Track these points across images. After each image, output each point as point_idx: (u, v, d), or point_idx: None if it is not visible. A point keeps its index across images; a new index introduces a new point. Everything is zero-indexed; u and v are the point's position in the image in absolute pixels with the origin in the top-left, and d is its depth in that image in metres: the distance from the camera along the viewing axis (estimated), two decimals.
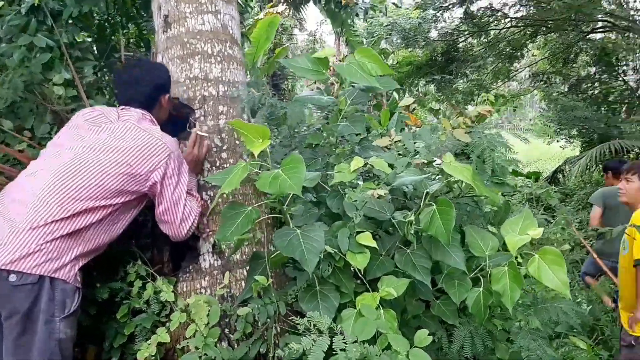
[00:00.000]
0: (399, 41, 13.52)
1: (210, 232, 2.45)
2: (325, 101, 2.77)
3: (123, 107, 2.27)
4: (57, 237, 1.95)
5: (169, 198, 2.18)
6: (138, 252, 2.49)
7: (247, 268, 2.43)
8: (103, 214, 2.06)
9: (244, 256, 2.46)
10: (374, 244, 2.12)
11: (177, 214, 2.21)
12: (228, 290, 2.38)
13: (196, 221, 2.29)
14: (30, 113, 2.85)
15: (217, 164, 2.52)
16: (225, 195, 2.41)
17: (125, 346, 2.40)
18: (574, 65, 12.26)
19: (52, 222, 1.94)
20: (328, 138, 2.71)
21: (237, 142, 2.56)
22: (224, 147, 2.54)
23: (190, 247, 2.47)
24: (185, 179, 2.25)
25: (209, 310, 2.25)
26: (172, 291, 2.33)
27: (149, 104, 2.30)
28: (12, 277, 1.87)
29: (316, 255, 1.97)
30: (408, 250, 2.27)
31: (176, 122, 2.47)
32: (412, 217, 2.20)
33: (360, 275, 2.11)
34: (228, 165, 2.53)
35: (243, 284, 2.40)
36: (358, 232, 2.17)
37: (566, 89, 12.11)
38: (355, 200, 2.23)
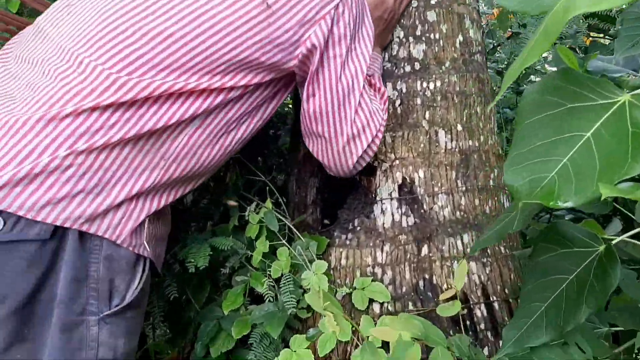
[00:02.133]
0: None
1: (397, 161, 1.27)
2: None
3: None
4: (101, 146, 0.89)
5: (331, 85, 1.07)
6: (266, 181, 1.38)
7: (472, 234, 1.24)
8: (204, 109, 0.97)
9: (460, 212, 1.26)
10: None
11: (346, 121, 1.10)
12: (428, 275, 1.21)
13: (379, 139, 1.16)
14: None
15: (417, 32, 1.32)
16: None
17: (232, 353, 1.32)
18: None
19: (95, 108, 0.88)
20: None
21: None
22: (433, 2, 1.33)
23: (355, 183, 1.32)
24: (367, 51, 1.11)
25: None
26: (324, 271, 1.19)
27: None
28: None
29: None
30: None
31: None
32: None
33: None
34: (437, 32, 1.32)
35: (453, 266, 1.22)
36: None
37: None
38: None
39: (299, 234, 1.26)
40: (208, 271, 1.28)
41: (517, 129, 0.53)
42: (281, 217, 1.28)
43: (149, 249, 0.99)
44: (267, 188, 1.35)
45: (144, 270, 0.99)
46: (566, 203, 0.47)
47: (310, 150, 1.20)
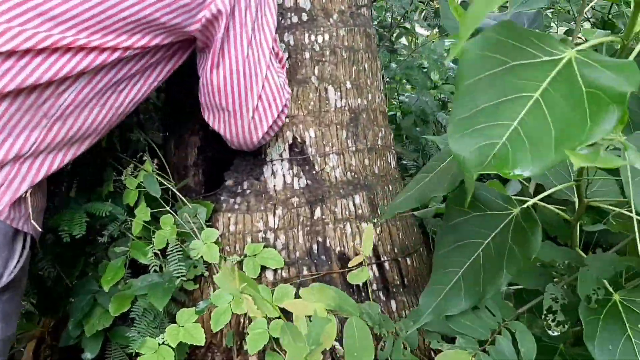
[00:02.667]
0: None
1: (287, 119, 1.20)
2: None
3: None
4: None
5: (237, 56, 1.01)
6: (145, 138, 1.24)
7: (363, 194, 1.22)
8: (94, 67, 0.88)
9: (352, 173, 1.24)
10: None
11: (252, 95, 1.05)
12: (323, 237, 1.18)
13: (285, 114, 1.15)
14: None
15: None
16: None
17: (110, 330, 1.19)
18: None
19: None
20: None
21: None
22: None
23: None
24: (273, 20, 1.07)
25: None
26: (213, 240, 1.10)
27: None
28: None
29: None
30: None
31: None
32: None
33: None
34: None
35: (353, 229, 1.20)
36: None
37: None
38: None
39: (183, 199, 1.15)
40: (82, 241, 1.13)
41: (457, 91, 0.49)
42: (163, 181, 1.15)
43: (29, 225, 0.90)
44: (147, 147, 1.20)
45: (24, 247, 0.90)
46: (524, 172, 0.44)
47: (210, 123, 1.11)
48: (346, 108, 1.25)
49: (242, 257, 1.14)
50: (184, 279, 1.08)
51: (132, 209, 1.15)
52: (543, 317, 0.70)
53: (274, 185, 1.20)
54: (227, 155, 1.27)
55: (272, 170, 1.20)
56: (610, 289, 0.69)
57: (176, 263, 1.05)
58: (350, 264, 1.08)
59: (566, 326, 0.72)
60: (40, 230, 0.94)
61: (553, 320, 0.72)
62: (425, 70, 1.88)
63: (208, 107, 1.09)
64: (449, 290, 0.69)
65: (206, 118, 1.11)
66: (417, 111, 1.73)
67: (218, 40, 0.98)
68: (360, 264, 1.05)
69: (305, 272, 1.15)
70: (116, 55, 0.89)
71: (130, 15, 0.87)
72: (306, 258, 1.17)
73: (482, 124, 0.46)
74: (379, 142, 1.31)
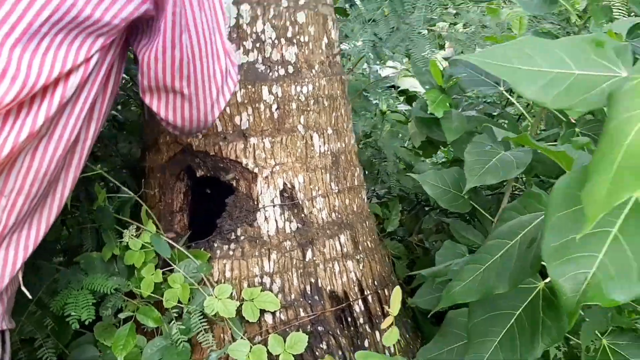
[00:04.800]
0: None
1: (277, 167, 1.26)
2: None
3: None
4: None
5: (195, 20, 0.79)
6: (137, 199, 1.23)
7: (346, 234, 1.31)
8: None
9: (336, 213, 1.33)
10: None
11: (215, 71, 0.85)
12: (314, 279, 1.26)
13: (235, 86, 0.93)
14: None
15: (289, 34, 1.30)
16: None
17: None
18: None
19: None
20: None
21: None
22: None
23: (232, 187, 1.28)
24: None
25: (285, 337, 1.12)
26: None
27: None
28: None
29: None
30: None
31: None
32: None
33: None
34: (306, 35, 1.32)
35: (346, 266, 1.29)
36: None
37: None
38: None
39: (187, 254, 1.17)
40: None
41: (548, 220, 0.57)
42: (169, 241, 1.17)
43: (6, 320, 0.80)
44: (143, 208, 1.20)
45: (3, 344, 0.80)
46: (619, 298, 0.54)
47: (154, 108, 0.88)
48: (328, 152, 1.34)
49: (240, 301, 1.19)
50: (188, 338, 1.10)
51: (131, 270, 1.14)
52: None
53: (267, 231, 1.25)
54: (215, 199, 1.31)
55: (265, 216, 1.26)
56: (598, 334, 0.84)
57: (197, 323, 1.06)
58: (382, 326, 1.03)
59: None
60: (13, 325, 0.83)
61: None
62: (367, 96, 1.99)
63: (151, 90, 0.85)
64: (489, 358, 0.78)
65: (147, 102, 0.87)
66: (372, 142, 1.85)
67: (166, 14, 0.75)
68: (391, 325, 1.03)
69: (302, 314, 1.22)
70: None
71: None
72: (301, 299, 1.24)
73: (573, 254, 0.55)
74: (355, 182, 1.41)
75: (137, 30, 0.83)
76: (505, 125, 1.44)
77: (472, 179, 1.10)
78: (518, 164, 1.10)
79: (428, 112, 1.40)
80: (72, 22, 0.68)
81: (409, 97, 2.33)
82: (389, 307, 0.99)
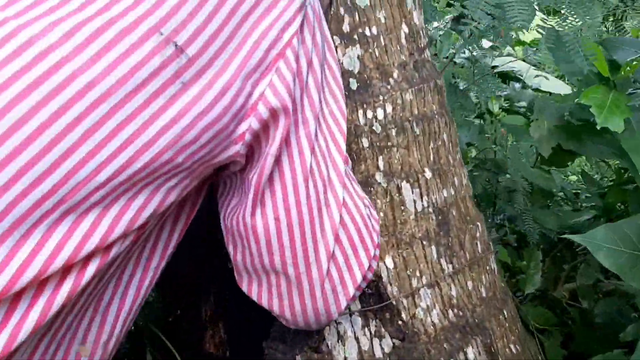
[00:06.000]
0: None
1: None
2: None
3: None
4: None
5: (297, 181, 0.58)
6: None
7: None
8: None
9: (454, 310, 0.80)
10: None
11: (323, 242, 0.61)
12: None
13: (377, 258, 0.71)
14: None
15: (345, 27, 0.80)
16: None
17: None
18: None
19: None
20: None
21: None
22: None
23: None
24: (339, 107, 0.65)
25: None
26: None
27: None
28: None
29: None
30: None
31: None
32: None
33: None
34: (375, 25, 0.81)
35: None
36: None
37: None
38: None
39: None
40: None
41: None
42: None
43: None
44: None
45: None
46: None
47: (254, 296, 0.68)
48: (430, 209, 0.82)
49: None
50: None
51: None
52: None
53: (345, 358, 0.75)
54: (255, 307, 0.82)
55: (339, 332, 0.76)
56: None
57: None
58: None
59: None
60: None
61: None
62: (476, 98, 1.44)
63: (248, 271, 0.66)
64: None
65: (244, 287, 0.68)
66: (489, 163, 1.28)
67: (265, 159, 0.56)
68: None
69: None
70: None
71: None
72: None
73: None
74: (479, 247, 0.88)
75: (224, 192, 0.66)
76: None
77: None
78: None
79: (590, 120, 0.83)
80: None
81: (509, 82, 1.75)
82: None
